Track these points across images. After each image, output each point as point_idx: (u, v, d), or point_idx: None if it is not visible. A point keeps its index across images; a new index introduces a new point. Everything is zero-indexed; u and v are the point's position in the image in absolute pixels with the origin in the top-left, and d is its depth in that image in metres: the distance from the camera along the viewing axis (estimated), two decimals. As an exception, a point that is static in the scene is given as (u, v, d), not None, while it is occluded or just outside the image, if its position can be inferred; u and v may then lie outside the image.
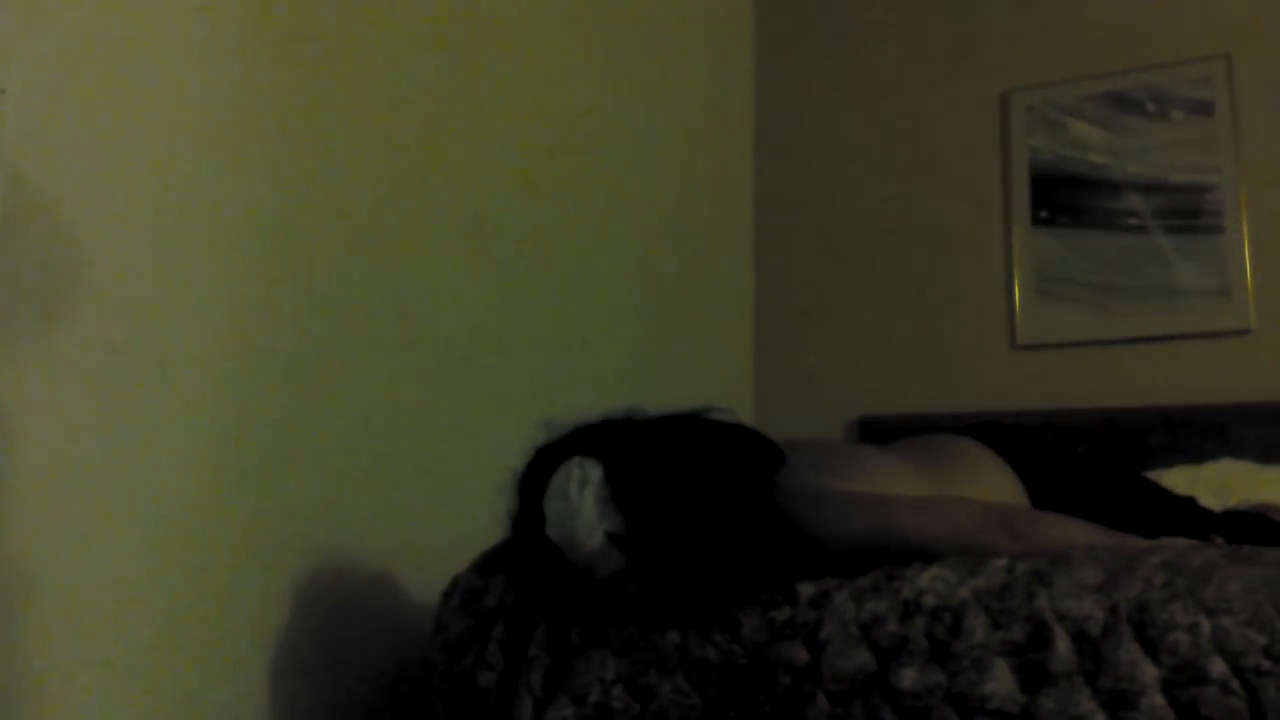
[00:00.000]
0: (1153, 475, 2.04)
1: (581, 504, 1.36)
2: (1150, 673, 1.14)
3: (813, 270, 3.34)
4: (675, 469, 1.38)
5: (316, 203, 1.89)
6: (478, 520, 1.63)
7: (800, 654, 1.29)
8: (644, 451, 1.40)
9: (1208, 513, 1.75)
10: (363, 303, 1.97)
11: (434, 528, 2.02)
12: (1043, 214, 3.05)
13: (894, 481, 1.55)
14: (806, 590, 1.34)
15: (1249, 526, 1.66)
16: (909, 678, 1.23)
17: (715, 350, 3.21)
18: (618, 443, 1.41)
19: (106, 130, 1.56)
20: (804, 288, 3.35)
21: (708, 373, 3.13)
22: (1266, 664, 1.10)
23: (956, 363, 3.11)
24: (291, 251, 1.84)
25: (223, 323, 1.71)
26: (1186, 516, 1.70)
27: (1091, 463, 1.84)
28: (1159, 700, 1.12)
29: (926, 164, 3.23)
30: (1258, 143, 2.85)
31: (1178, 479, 2.25)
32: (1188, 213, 2.88)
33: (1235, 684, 1.10)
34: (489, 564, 1.61)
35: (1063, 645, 1.18)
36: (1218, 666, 1.11)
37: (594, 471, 1.37)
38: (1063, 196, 3.03)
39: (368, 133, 2.01)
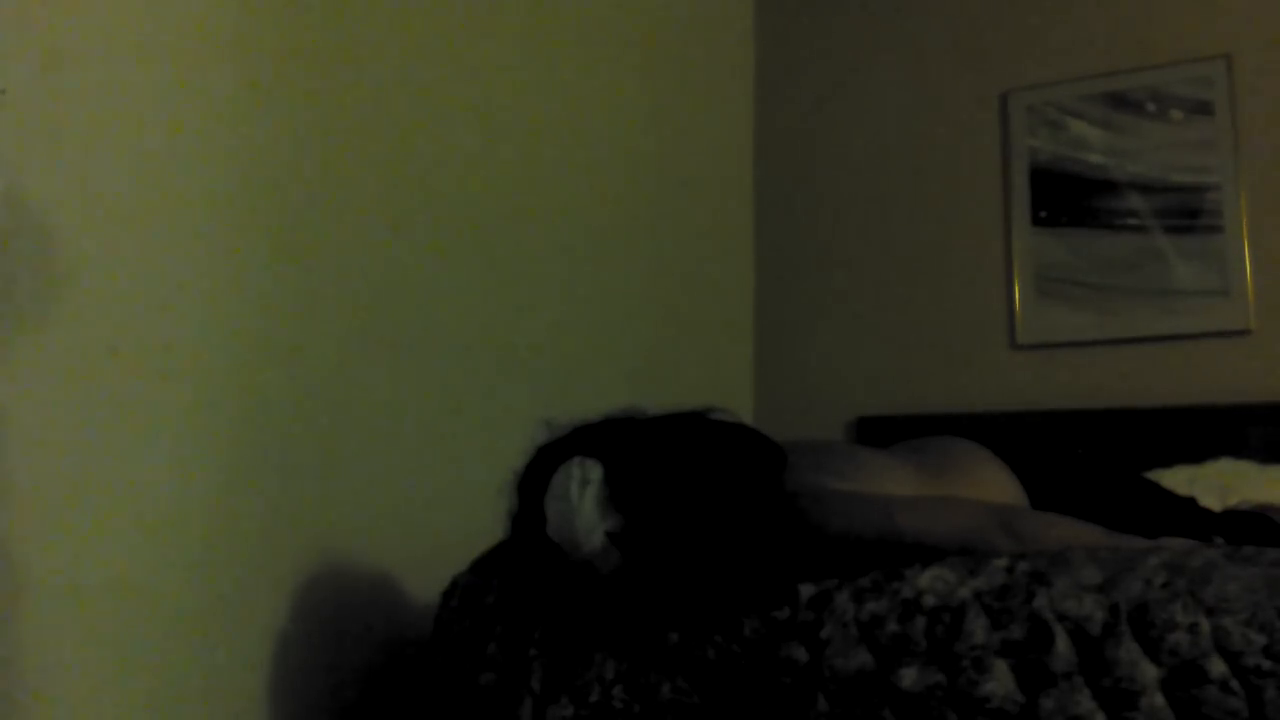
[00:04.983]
0: (1153, 475, 2.04)
1: (582, 504, 1.36)
2: (1150, 673, 1.14)
3: (812, 270, 3.34)
4: (676, 469, 1.38)
5: (317, 203, 1.89)
6: (478, 520, 1.63)
7: (800, 654, 1.29)
8: (645, 451, 1.40)
9: (1208, 513, 1.75)
10: (363, 303, 1.97)
11: (434, 528, 2.02)
12: (1043, 214, 3.05)
13: (893, 482, 1.55)
14: (806, 590, 1.34)
15: (1249, 526, 1.66)
16: (909, 678, 1.23)
17: (715, 350, 3.21)
18: (618, 443, 1.41)
19: (106, 130, 1.56)
20: (804, 288, 3.35)
21: (708, 373, 3.13)
22: (1266, 664, 1.10)
23: (956, 362, 3.11)
24: (292, 251, 1.84)
25: (223, 324, 1.71)
26: (1186, 516, 1.70)
27: (1091, 463, 1.84)
28: (1159, 700, 1.12)
29: (926, 164, 3.24)
30: (1258, 143, 2.85)
31: (1178, 479, 2.25)
32: (1188, 213, 2.88)
33: (1235, 684, 1.10)
34: (489, 564, 1.61)
35: (1063, 645, 1.18)
36: (1218, 666, 1.11)
37: (594, 471, 1.37)
38: (1062, 196, 3.03)
39: (369, 132, 2.01)
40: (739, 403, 3.23)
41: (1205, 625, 1.13)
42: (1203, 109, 2.91)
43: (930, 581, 1.28)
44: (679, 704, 1.34)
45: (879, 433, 3.02)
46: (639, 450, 1.40)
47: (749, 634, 1.33)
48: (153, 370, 1.60)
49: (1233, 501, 2.05)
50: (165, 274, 1.63)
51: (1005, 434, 1.87)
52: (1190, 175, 2.89)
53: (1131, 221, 2.94)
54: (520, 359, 2.34)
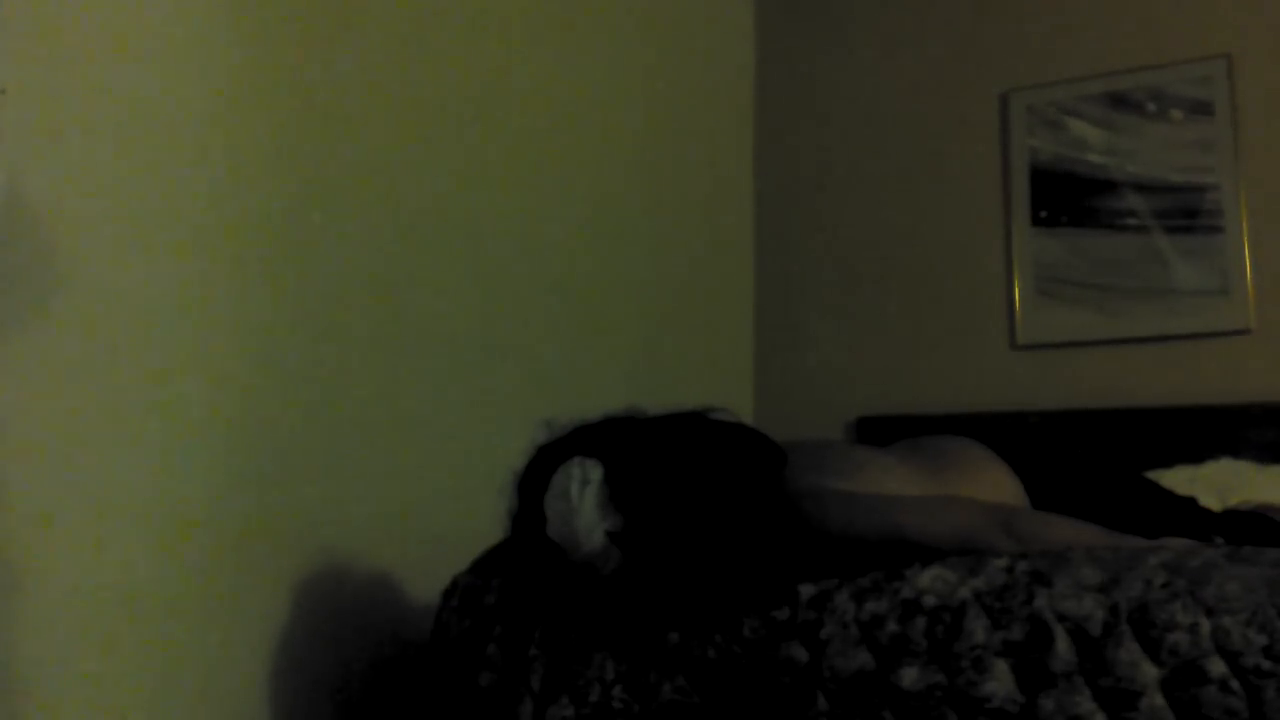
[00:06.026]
0: (1153, 475, 2.04)
1: (582, 504, 1.36)
2: (1150, 673, 1.14)
3: (813, 270, 3.34)
4: (676, 469, 1.38)
5: (317, 202, 1.89)
6: (478, 520, 1.63)
7: (800, 654, 1.29)
8: (645, 451, 1.40)
9: (1208, 513, 1.75)
10: (362, 303, 1.97)
11: (434, 528, 2.02)
12: (1043, 214, 3.05)
13: (894, 481, 1.55)
14: (806, 590, 1.34)
15: (1249, 526, 1.66)
16: (909, 678, 1.23)
17: (715, 350, 3.21)
18: (618, 442, 1.41)
19: (106, 130, 1.56)
20: (804, 288, 3.35)
21: (708, 373, 3.13)
22: (1266, 664, 1.10)
23: (956, 363, 3.10)
24: (292, 251, 1.84)
25: (223, 324, 1.71)
26: (1186, 516, 1.70)
27: (1091, 463, 1.84)
28: (1159, 700, 1.12)
29: (926, 164, 3.23)
30: (1258, 143, 2.85)
31: (1178, 479, 2.25)
32: (1187, 213, 2.88)
33: (1235, 684, 1.10)
34: (489, 564, 1.61)
35: (1063, 645, 1.18)
36: (1218, 666, 1.11)
37: (594, 471, 1.37)
38: (1062, 196, 3.03)
39: (368, 131, 2.01)
40: (739, 403, 3.22)
41: (1205, 625, 1.13)
42: (1203, 109, 2.91)
43: (930, 581, 1.28)
44: (679, 704, 1.34)
45: (879, 433, 3.02)
46: (639, 450, 1.40)
47: (749, 634, 1.33)
48: (153, 370, 1.60)
49: (1233, 501, 2.05)
50: (165, 274, 1.63)
51: (1005, 434, 1.87)
52: (1190, 175, 2.89)
53: (1131, 221, 2.94)
54: (520, 359, 2.34)
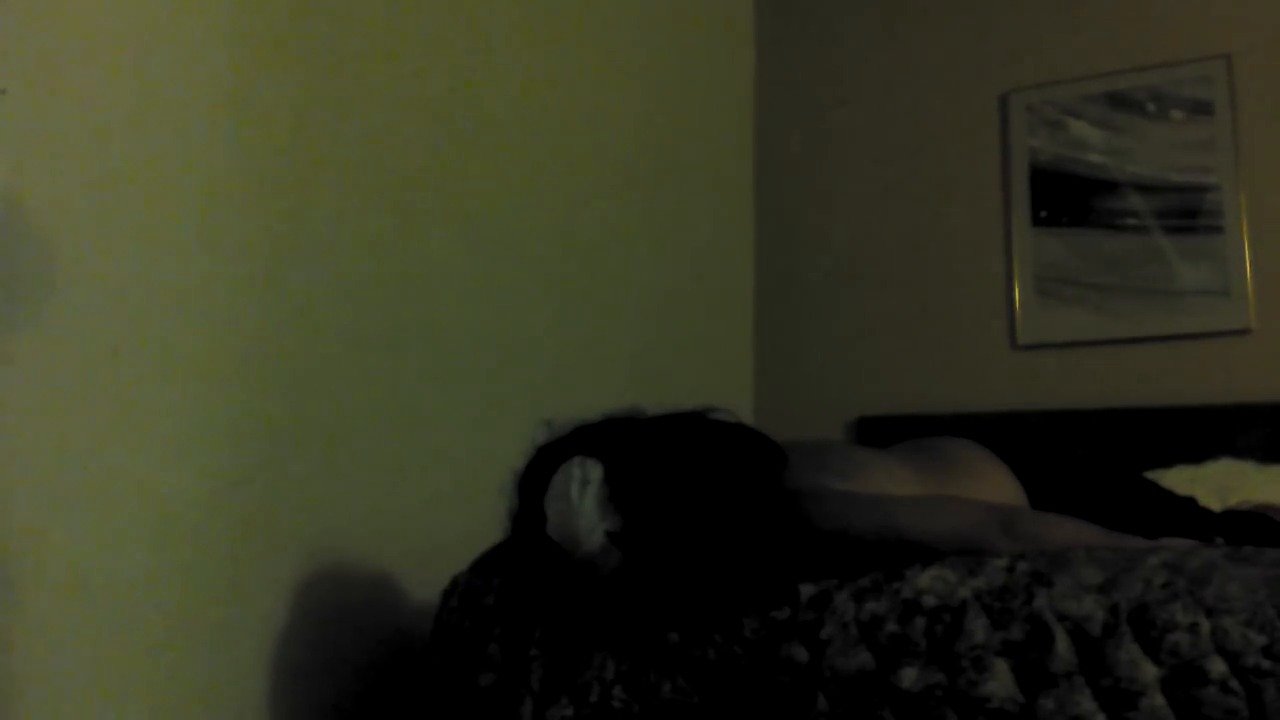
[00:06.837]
0: (1153, 475, 2.04)
1: (582, 504, 1.36)
2: (1150, 673, 1.14)
3: (813, 270, 3.34)
4: (676, 469, 1.38)
5: (317, 202, 1.89)
6: (478, 520, 1.63)
7: (800, 654, 1.29)
8: (645, 451, 1.40)
9: (1208, 513, 1.75)
10: (362, 303, 1.97)
11: (434, 528, 2.02)
12: (1043, 214, 3.05)
13: (894, 482, 1.55)
14: (806, 590, 1.34)
15: (1249, 526, 1.66)
16: (909, 678, 1.23)
17: (715, 350, 3.21)
18: (618, 442, 1.41)
19: (106, 130, 1.56)
20: (804, 288, 3.35)
21: (708, 373, 3.13)
22: (1266, 664, 1.10)
23: (956, 363, 3.11)
24: (291, 251, 1.84)
25: (223, 324, 1.71)
26: (1186, 516, 1.70)
27: (1091, 463, 1.84)
28: (1159, 700, 1.12)
29: (926, 164, 3.23)
30: (1258, 143, 2.85)
31: (1178, 479, 2.25)
32: (1188, 213, 2.88)
33: (1235, 684, 1.10)
34: (489, 564, 1.61)
35: (1063, 645, 1.18)
36: (1218, 666, 1.11)
37: (595, 471, 1.37)
38: (1063, 196, 3.03)
39: (369, 132, 2.01)
40: (739, 403, 3.22)
41: (1205, 625, 1.13)
42: (1203, 109, 2.91)
43: (930, 581, 1.28)
44: (679, 704, 1.34)
45: (879, 433, 3.02)
46: (639, 450, 1.40)
47: (749, 634, 1.33)
48: (153, 370, 1.60)
49: (1233, 501, 2.05)
50: (165, 274, 1.63)
51: (1005, 434, 1.87)
52: (1190, 175, 2.89)
53: (1131, 221, 2.94)
54: (520, 359, 2.34)
